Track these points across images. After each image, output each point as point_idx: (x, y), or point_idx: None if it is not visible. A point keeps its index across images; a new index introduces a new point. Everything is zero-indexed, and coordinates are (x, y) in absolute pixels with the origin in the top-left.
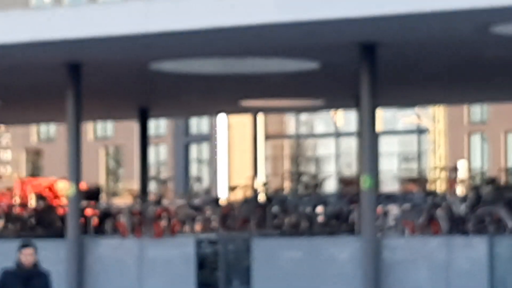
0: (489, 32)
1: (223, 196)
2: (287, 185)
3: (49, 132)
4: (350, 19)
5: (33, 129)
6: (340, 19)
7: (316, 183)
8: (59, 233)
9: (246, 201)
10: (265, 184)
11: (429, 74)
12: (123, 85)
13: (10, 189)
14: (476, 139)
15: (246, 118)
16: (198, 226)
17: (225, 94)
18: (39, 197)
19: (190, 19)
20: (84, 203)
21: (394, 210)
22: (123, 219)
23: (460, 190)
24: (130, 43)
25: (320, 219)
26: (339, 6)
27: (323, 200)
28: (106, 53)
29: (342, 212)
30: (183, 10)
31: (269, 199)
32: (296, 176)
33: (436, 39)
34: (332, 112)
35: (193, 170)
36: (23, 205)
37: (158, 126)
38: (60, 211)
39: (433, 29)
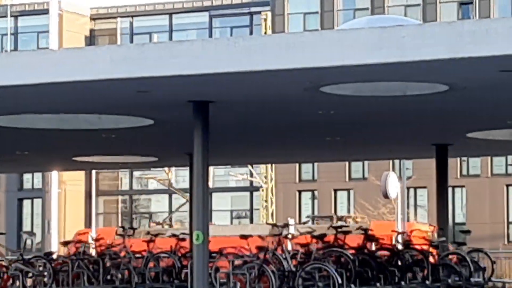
0: (319, 92)
1: (56, 251)
2: (119, 241)
3: None
4: (182, 76)
5: None
6: (172, 77)
7: (151, 239)
8: None
9: (78, 256)
10: (97, 240)
11: (262, 132)
12: None
13: None
14: (306, 196)
15: (80, 174)
16: (30, 281)
17: (59, 150)
18: None
19: (22, 73)
20: None
21: (226, 265)
22: None
23: (290, 247)
24: None
25: (152, 274)
26: (172, 64)
27: (156, 256)
28: None
29: (174, 268)
30: (14, 65)
31: (101, 254)
32: (131, 231)
33: (267, 98)
34: (166, 169)
35: (26, 225)
36: None
37: None
38: None
39: (264, 88)
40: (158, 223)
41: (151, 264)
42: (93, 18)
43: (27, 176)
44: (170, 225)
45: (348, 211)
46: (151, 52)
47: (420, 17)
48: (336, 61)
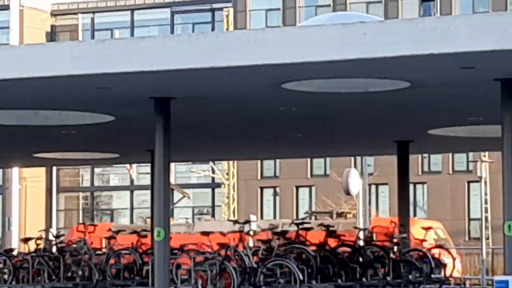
0: (281, 88)
1: (16, 248)
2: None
3: None
4: (143, 73)
5: None
6: (133, 73)
7: (112, 236)
8: None
9: (38, 253)
10: (58, 237)
11: (223, 129)
12: None
13: None
14: (268, 193)
15: (41, 171)
16: None
17: (19, 146)
18: None
19: None
20: None
21: (187, 262)
22: None
23: (252, 243)
24: None
25: (113, 271)
26: (133, 60)
27: (117, 252)
28: None
29: (136, 264)
30: None
31: (62, 251)
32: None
33: (229, 94)
34: (127, 165)
35: None
36: None
37: None
38: None
39: (226, 85)
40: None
41: (112, 261)
42: (54, 14)
43: None
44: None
45: (310, 207)
46: (112, 49)
47: (382, 14)
48: (297, 58)
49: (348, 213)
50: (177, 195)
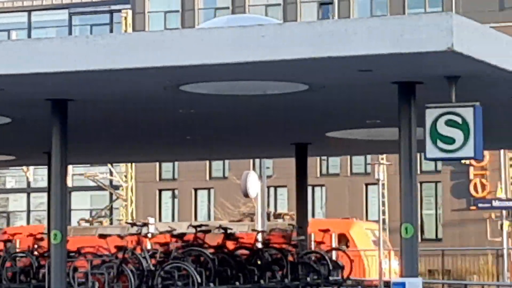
0: (179, 91)
1: None
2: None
3: None
4: (40, 74)
5: None
6: (30, 75)
7: (8, 239)
8: None
9: None
10: None
11: (122, 131)
12: None
13: None
14: (167, 196)
15: None
16: None
17: None
18: None
19: None
20: None
21: (84, 265)
22: None
23: (150, 246)
24: None
25: (9, 274)
26: (30, 62)
27: (13, 255)
28: None
29: (32, 267)
30: None
31: None
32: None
33: (128, 96)
34: (24, 167)
35: None
36: None
37: None
38: None
39: (124, 87)
40: (87, 221)
41: (8, 264)
42: None
43: None
44: (101, 223)
45: (209, 210)
46: (9, 50)
47: (281, 16)
48: (195, 60)
49: (286, 214)
50: (75, 198)
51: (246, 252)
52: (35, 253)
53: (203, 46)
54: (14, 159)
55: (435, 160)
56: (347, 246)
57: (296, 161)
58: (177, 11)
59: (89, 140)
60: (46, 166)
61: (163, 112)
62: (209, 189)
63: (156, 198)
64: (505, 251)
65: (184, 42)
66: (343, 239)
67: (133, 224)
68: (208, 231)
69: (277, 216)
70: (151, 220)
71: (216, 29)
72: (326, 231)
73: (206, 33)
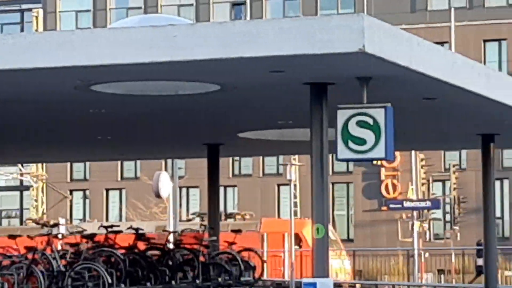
0: (90, 90)
1: None
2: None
3: None
4: None
5: None
6: None
7: None
8: None
9: None
10: None
11: (32, 130)
12: None
13: None
14: (78, 196)
15: None
16: None
17: None
18: None
19: None
20: None
21: None
22: None
23: (60, 246)
24: None
25: None
26: None
27: None
28: None
29: None
30: None
31: None
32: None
33: (38, 96)
34: None
35: None
36: None
37: None
38: None
39: (35, 86)
40: (34, 221)
41: None
42: None
43: None
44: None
45: (120, 210)
46: None
47: (193, 17)
48: (106, 60)
49: (244, 214)
50: None
51: (157, 252)
52: None
53: (114, 46)
54: None
55: (346, 160)
56: (300, 246)
57: (208, 161)
58: (89, 11)
59: None
60: None
61: (74, 112)
62: (120, 189)
63: (67, 198)
64: (415, 252)
65: (95, 41)
66: (296, 239)
67: (43, 225)
68: (119, 232)
69: (229, 215)
70: (61, 220)
71: (128, 29)
72: (238, 231)
73: (117, 33)
